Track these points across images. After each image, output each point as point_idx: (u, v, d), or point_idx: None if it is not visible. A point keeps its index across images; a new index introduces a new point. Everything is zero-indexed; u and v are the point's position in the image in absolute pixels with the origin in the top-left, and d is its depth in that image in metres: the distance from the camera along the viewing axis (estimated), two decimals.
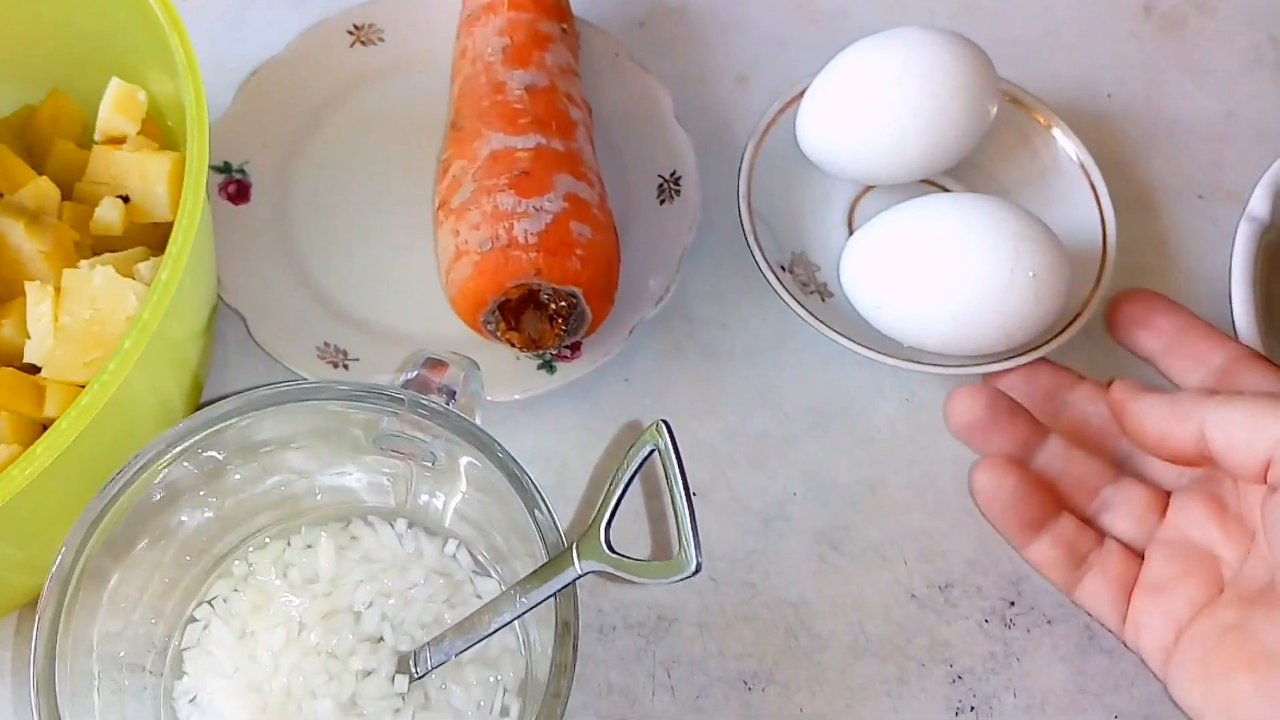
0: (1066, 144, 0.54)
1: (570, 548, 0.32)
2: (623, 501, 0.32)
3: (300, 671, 0.37)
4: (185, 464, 0.34)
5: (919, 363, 0.48)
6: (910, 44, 0.50)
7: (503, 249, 0.44)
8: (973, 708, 0.45)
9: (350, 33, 0.56)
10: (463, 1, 0.54)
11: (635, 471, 0.32)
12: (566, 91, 0.50)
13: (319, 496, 0.40)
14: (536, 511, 0.33)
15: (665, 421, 0.31)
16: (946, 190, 0.54)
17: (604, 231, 0.47)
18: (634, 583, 0.31)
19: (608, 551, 0.31)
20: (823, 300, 0.51)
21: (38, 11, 0.48)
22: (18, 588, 0.44)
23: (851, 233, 0.53)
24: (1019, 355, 0.48)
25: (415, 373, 0.37)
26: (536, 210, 0.45)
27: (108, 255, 0.45)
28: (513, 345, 0.47)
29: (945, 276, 0.46)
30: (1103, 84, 0.60)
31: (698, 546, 0.30)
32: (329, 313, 0.51)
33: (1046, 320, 0.46)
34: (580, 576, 0.32)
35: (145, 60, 0.46)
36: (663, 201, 0.53)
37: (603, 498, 0.32)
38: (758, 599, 0.47)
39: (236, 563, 0.39)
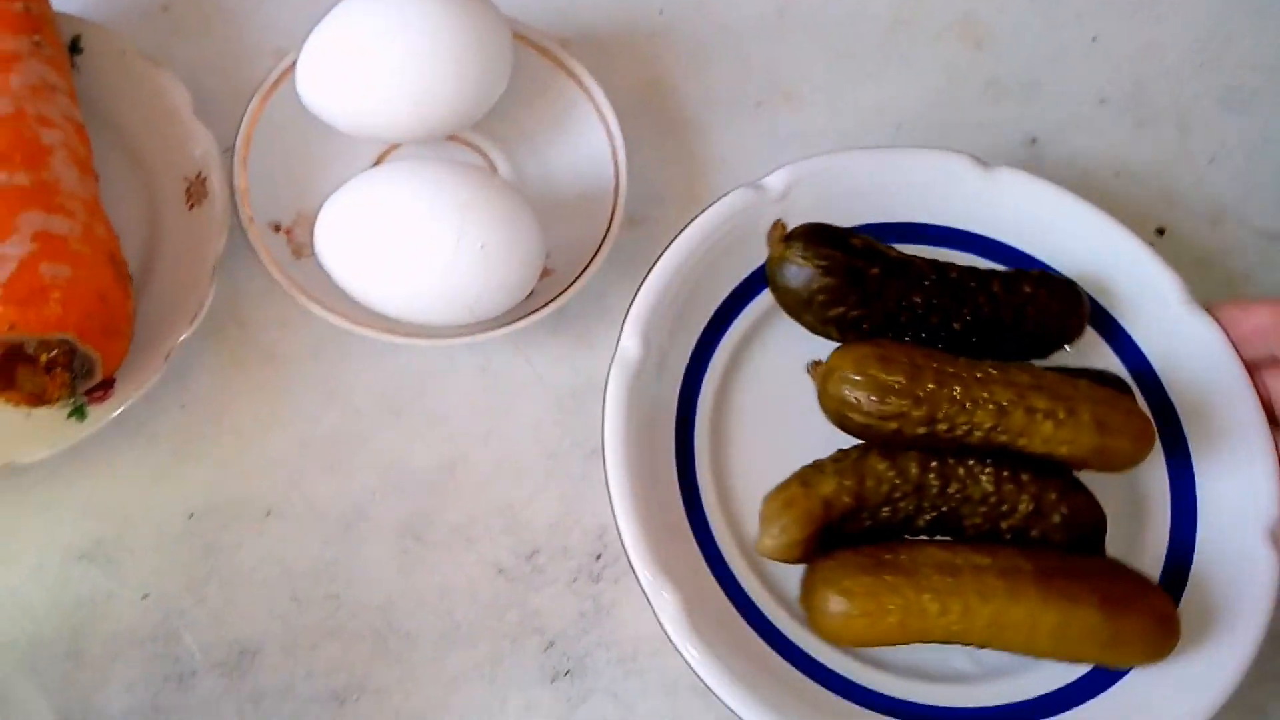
0: (583, 80, 0.52)
1: None
2: None
3: None
4: None
5: (397, 333, 0.47)
6: None
7: None
8: (568, 671, 0.45)
9: None
10: None
11: None
12: (39, 113, 0.46)
13: None
14: None
15: None
16: (475, 146, 0.53)
17: (89, 265, 0.43)
18: None
19: None
20: None
21: None
22: None
23: None
24: (527, 316, 0.47)
25: None
26: None
27: None
28: (16, 404, 0.43)
29: (400, 250, 0.44)
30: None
31: None
32: None
33: (510, 291, 0.46)
34: None
35: None
36: (191, 206, 0.49)
37: None
38: (343, 610, 0.46)
39: None
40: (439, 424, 0.49)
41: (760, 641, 0.43)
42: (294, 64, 0.50)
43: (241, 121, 0.50)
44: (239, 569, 0.46)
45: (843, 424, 0.44)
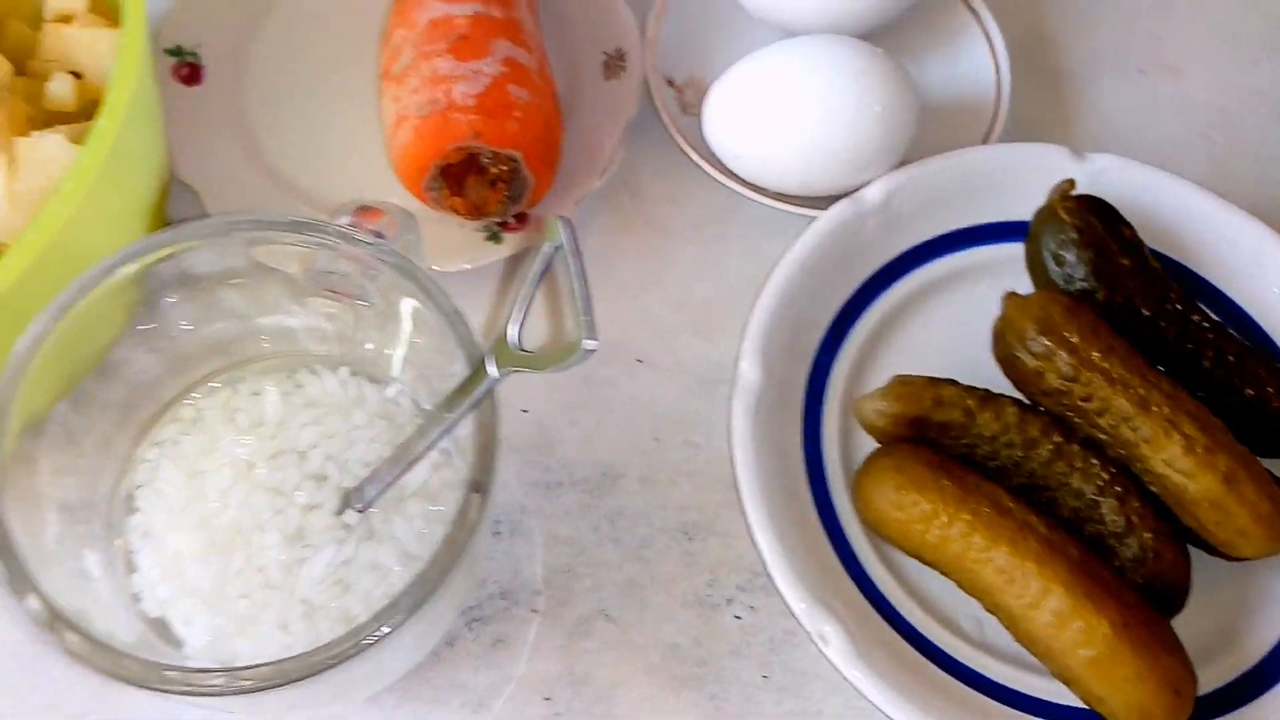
0: (976, 7, 0.55)
1: (485, 358, 0.33)
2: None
3: (248, 507, 0.38)
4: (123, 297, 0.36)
5: (778, 197, 0.50)
6: None
7: (441, 112, 0.45)
8: None
9: None
10: None
11: (543, 270, 0.33)
12: None
13: (262, 342, 0.41)
14: (458, 326, 0.34)
15: (565, 218, 0.33)
16: None
17: (542, 96, 0.48)
18: (544, 371, 0.32)
19: (518, 352, 0.33)
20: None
21: None
22: None
23: None
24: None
25: (347, 217, 0.38)
26: (474, 73, 0.46)
27: (60, 126, 0.46)
28: (457, 212, 0.48)
29: (797, 118, 0.47)
30: None
31: (592, 328, 0.31)
32: (284, 190, 0.52)
33: (896, 151, 0.48)
34: (496, 381, 0.33)
35: None
36: (608, 78, 0.54)
37: (513, 301, 0.34)
38: (699, 456, 0.48)
39: (185, 408, 0.41)
40: None
41: (926, 662, 0.43)
42: None
43: None
44: (610, 403, 0.49)
45: (1000, 349, 0.45)
